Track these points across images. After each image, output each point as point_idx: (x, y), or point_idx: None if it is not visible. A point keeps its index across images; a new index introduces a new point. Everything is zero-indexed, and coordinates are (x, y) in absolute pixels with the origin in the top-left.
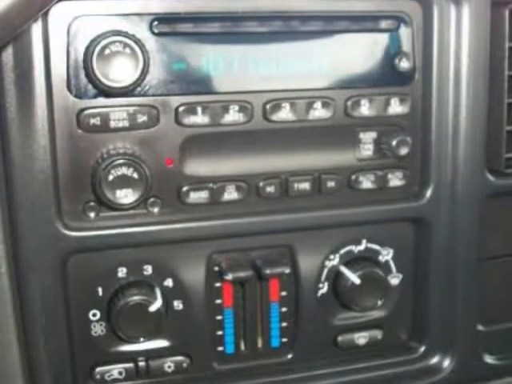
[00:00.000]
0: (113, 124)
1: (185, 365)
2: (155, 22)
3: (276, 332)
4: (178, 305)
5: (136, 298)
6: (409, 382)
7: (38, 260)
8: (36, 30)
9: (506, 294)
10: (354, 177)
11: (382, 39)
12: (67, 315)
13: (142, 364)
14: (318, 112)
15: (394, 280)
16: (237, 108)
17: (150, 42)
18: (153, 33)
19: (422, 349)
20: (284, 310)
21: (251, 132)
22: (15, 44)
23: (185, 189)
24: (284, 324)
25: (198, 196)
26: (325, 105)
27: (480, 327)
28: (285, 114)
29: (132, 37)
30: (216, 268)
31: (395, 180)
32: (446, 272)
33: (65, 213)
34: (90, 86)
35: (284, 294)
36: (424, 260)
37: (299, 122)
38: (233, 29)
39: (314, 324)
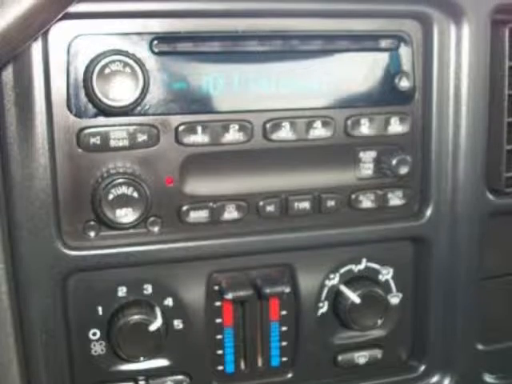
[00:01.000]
0: (113, 143)
1: None
2: (155, 42)
3: (276, 351)
4: (178, 324)
5: (136, 317)
6: None
7: (37, 279)
8: (36, 49)
9: (506, 313)
10: (354, 196)
11: (382, 58)
12: (67, 334)
13: (142, 383)
14: (318, 131)
15: (394, 299)
16: (237, 127)
17: (150, 62)
18: (153, 52)
19: (422, 368)
20: (284, 329)
21: (251, 151)
22: (15, 63)
23: (185, 208)
24: (284, 343)
25: (198, 215)
26: (325, 124)
27: (480, 346)
28: (285, 133)
29: (132, 56)
30: (216, 287)
31: (395, 199)
32: (445, 291)
33: (65, 232)
34: (90, 105)
35: (284, 313)
36: (424, 279)
37: (299, 141)
38: (233, 48)
39: (314, 343)
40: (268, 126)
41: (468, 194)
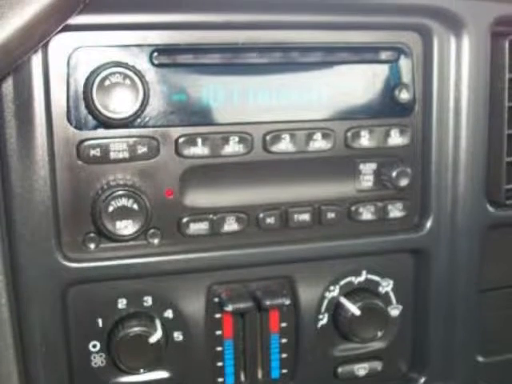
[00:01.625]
0: (113, 155)
1: None
2: (155, 53)
3: (276, 363)
4: (178, 336)
5: (136, 329)
6: None
7: (37, 291)
8: (36, 61)
9: (506, 325)
10: (354, 208)
11: (382, 70)
12: (67, 346)
13: None
14: (318, 143)
15: (394, 311)
16: (237, 139)
17: (150, 73)
18: (153, 64)
19: (422, 380)
20: (284, 341)
21: (251, 163)
22: (15, 75)
23: (185, 220)
24: (284, 355)
25: (198, 227)
26: (325, 136)
27: (480, 358)
28: (285, 145)
29: (132, 68)
30: (216, 299)
31: (395, 211)
32: (445, 303)
33: (65, 244)
34: (90, 117)
35: (284, 325)
36: (424, 291)
37: (299, 153)
38: (233, 60)
39: (314, 355)
40: (268, 138)
41: (468, 205)
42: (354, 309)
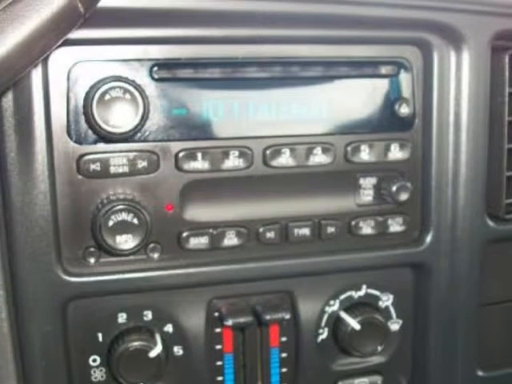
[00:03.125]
0: (113, 170)
1: None
2: (155, 68)
3: (276, 378)
4: (178, 350)
5: (136, 343)
6: None
7: (37, 305)
8: (36, 75)
9: (507, 339)
10: (354, 222)
11: (382, 85)
12: (67, 360)
13: None
14: (318, 158)
15: (394, 326)
16: (237, 153)
17: (150, 88)
18: (153, 78)
19: None
20: (284, 355)
21: (251, 177)
22: (15, 89)
23: (185, 234)
24: (284, 370)
25: (198, 241)
26: (325, 150)
27: (480, 372)
28: (285, 159)
29: (132, 82)
30: (216, 313)
31: (395, 225)
32: (446, 317)
33: (65, 258)
34: (90, 132)
35: (284, 339)
36: (424, 305)
37: (299, 167)
38: (233, 74)
39: (313, 369)
40: (268, 152)
41: (468, 220)
42: (354, 323)
